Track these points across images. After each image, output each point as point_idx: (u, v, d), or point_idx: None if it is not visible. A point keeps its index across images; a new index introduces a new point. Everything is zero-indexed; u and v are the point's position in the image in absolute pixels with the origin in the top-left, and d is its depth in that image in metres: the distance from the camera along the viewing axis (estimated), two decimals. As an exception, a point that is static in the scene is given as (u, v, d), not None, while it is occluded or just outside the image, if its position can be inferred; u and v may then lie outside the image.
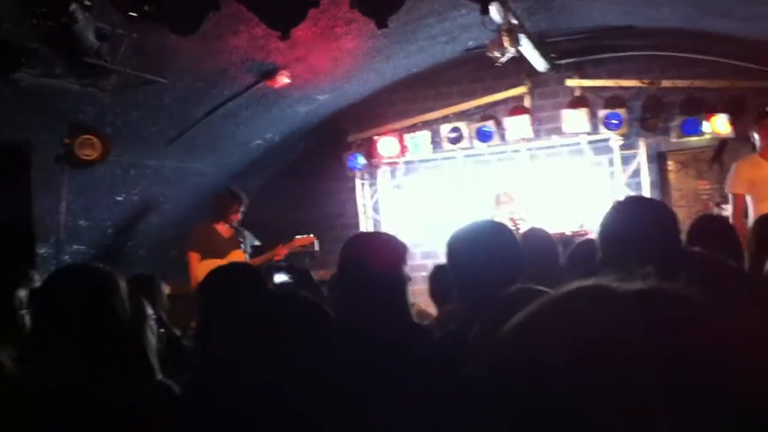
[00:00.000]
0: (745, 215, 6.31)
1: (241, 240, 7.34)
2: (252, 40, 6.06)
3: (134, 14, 4.56)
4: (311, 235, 7.81)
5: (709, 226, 4.24)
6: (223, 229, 7.25)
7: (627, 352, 0.69)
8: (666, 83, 8.54)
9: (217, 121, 7.43)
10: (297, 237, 7.74)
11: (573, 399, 0.69)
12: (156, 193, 7.97)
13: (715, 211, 6.39)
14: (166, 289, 5.47)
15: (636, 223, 2.40)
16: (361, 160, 9.29)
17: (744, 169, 6.36)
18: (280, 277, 6.48)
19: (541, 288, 2.51)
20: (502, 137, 8.92)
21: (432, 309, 5.07)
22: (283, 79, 6.92)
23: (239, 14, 5.14)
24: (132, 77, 5.87)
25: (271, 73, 6.87)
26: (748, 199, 6.31)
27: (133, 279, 5.16)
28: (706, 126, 8.15)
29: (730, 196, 6.42)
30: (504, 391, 0.74)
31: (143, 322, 2.82)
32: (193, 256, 7.12)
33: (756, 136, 6.47)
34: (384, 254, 3.03)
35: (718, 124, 8.07)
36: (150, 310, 2.98)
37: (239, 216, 7.32)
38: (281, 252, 7.53)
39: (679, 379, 0.67)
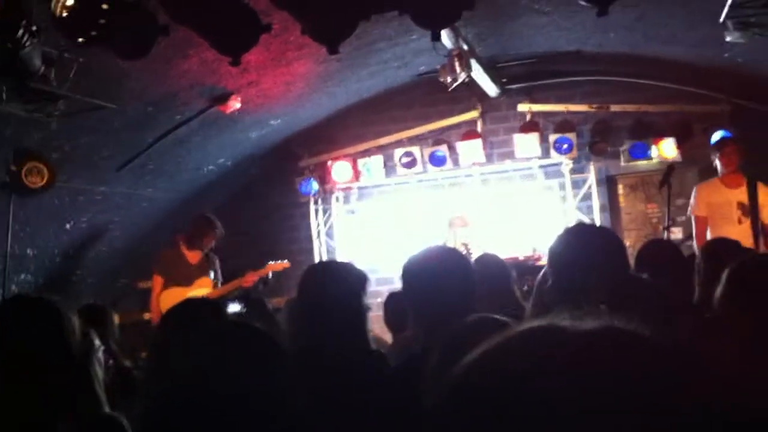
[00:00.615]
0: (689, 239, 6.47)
1: (211, 267, 7.24)
2: (202, 65, 6.00)
3: (82, 39, 4.49)
4: (286, 261, 7.70)
5: (658, 251, 4.31)
6: (191, 255, 7.13)
7: (580, 393, 0.68)
8: (614, 108, 8.70)
9: (168, 146, 7.33)
10: (270, 263, 7.62)
11: None
12: (105, 220, 7.82)
13: (664, 234, 6.49)
14: (116, 319, 5.36)
15: (584, 250, 2.44)
16: (315, 185, 9.25)
17: (704, 192, 6.52)
18: (233, 307, 6.38)
19: (500, 318, 2.51)
20: (455, 162, 8.98)
21: (387, 335, 5.04)
22: (235, 104, 6.86)
23: (189, 38, 5.09)
24: (80, 102, 5.76)
25: (222, 98, 6.81)
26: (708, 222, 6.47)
27: (83, 309, 5.05)
28: (654, 150, 8.31)
29: (692, 219, 6.54)
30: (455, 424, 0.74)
31: (91, 354, 2.77)
32: (157, 280, 6.99)
33: (717, 161, 6.60)
34: (344, 283, 3.03)
35: (666, 148, 8.24)
36: (98, 342, 2.93)
37: (210, 245, 7.24)
38: (250, 279, 7.37)
39: (634, 419, 0.67)
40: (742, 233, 5.77)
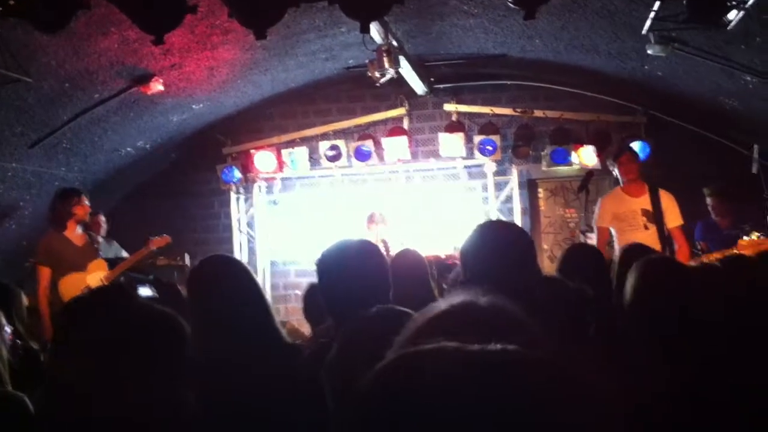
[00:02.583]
0: (610, 245, 6.64)
1: (97, 246, 6.81)
2: (124, 44, 5.83)
3: (-2, 8, 4.31)
4: (165, 236, 7.23)
5: (580, 254, 4.41)
6: (75, 237, 6.62)
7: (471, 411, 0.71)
8: (537, 113, 8.86)
9: (84, 125, 7.11)
10: (151, 238, 7.10)
11: None
12: (15, 198, 7.52)
13: (581, 238, 6.65)
14: (24, 300, 5.15)
15: (493, 245, 2.47)
16: (237, 174, 9.12)
17: (608, 203, 6.70)
18: (144, 291, 6.22)
19: (402, 309, 2.50)
20: (380, 157, 8.98)
21: (306, 327, 5.00)
22: (157, 86, 6.68)
23: (110, 15, 4.94)
24: (-7, 74, 5.53)
25: (143, 79, 6.63)
26: (613, 231, 6.64)
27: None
28: (574, 156, 8.48)
29: (595, 229, 6.71)
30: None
31: None
32: (43, 271, 6.44)
33: (616, 171, 6.79)
34: (240, 278, 2.95)
35: (585, 156, 8.42)
36: (3, 321, 2.86)
37: (85, 212, 6.67)
38: (136, 257, 6.96)
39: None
40: (648, 238, 5.99)
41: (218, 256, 3.12)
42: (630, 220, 6.57)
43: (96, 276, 6.50)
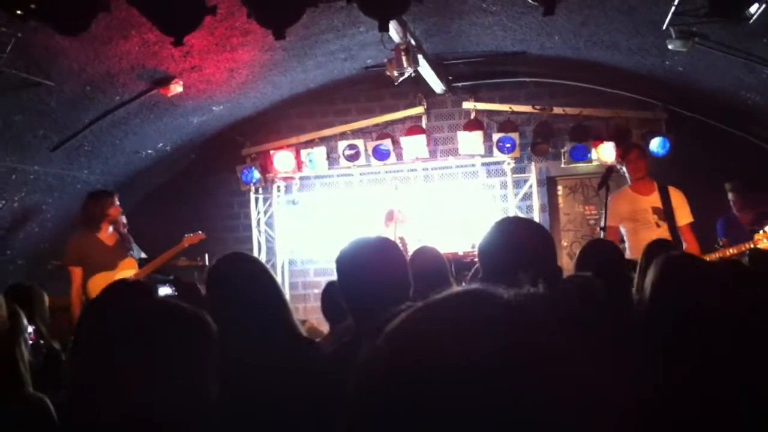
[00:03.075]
0: (622, 244, 6.64)
1: (129, 246, 6.88)
2: (144, 46, 5.87)
3: (20, 12, 4.35)
4: (200, 233, 7.38)
5: (598, 250, 4.39)
6: (105, 236, 6.70)
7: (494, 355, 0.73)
8: (557, 110, 8.81)
9: (105, 128, 7.16)
10: (186, 235, 7.25)
11: (451, 405, 0.71)
12: (38, 201, 7.60)
13: (601, 235, 6.61)
14: (46, 300, 5.21)
15: (511, 241, 2.46)
16: (256, 174, 9.15)
17: (617, 203, 6.66)
18: (164, 291, 6.25)
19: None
20: (399, 156, 8.99)
21: (325, 326, 5.02)
22: (177, 88, 6.72)
23: (131, 18, 4.97)
24: (16, 78, 5.57)
25: (163, 81, 6.67)
26: (624, 229, 6.61)
27: (11, 289, 4.91)
28: (593, 153, 8.44)
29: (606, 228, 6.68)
30: (384, 397, 0.76)
31: (18, 334, 2.72)
32: (75, 271, 6.53)
33: (624, 169, 6.75)
34: (258, 274, 2.98)
35: (604, 152, 8.38)
36: (26, 322, 2.88)
37: (117, 213, 6.75)
38: (170, 254, 7.09)
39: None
40: (661, 236, 5.95)
41: (236, 254, 3.14)
42: (641, 218, 6.54)
43: (125, 275, 6.53)
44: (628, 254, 6.34)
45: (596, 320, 2.62)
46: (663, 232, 6.31)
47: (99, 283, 6.39)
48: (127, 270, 6.66)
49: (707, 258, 6.04)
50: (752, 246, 6.04)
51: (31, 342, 4.88)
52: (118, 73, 6.32)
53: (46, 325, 5.10)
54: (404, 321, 0.80)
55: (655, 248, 4.16)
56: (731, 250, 6.14)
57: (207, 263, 8.37)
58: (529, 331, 0.75)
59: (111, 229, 6.77)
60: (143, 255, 7.76)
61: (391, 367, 0.77)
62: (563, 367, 0.74)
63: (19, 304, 2.99)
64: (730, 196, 7.30)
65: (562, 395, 0.72)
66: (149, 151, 8.39)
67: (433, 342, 0.75)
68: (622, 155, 6.76)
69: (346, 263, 2.67)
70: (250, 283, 2.92)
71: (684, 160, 8.07)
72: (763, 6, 4.66)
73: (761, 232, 6.06)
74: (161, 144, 8.40)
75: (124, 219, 7.07)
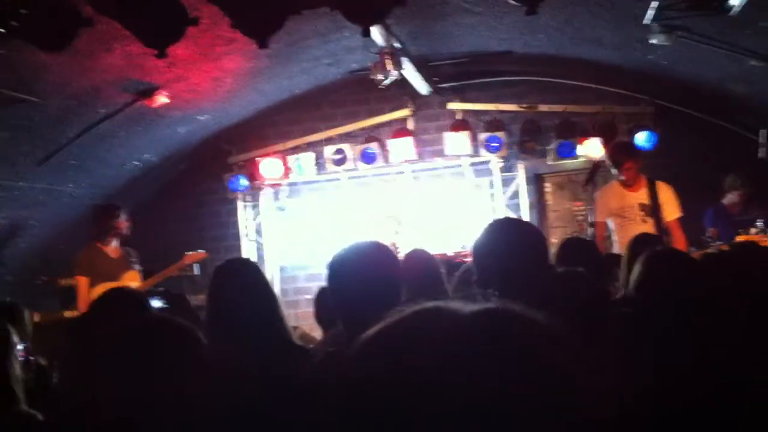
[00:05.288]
0: (609, 239, 6.66)
1: (132, 260, 6.96)
2: (127, 58, 5.84)
3: (2, 30, 4.33)
4: (201, 251, 7.50)
5: (576, 247, 4.42)
6: (110, 249, 6.83)
7: (465, 369, 0.73)
8: (542, 107, 8.83)
9: (91, 141, 7.12)
10: (186, 254, 7.42)
11: (413, 415, 0.72)
12: (25, 216, 7.55)
13: (590, 231, 6.63)
14: (32, 318, 5.19)
15: (505, 242, 2.48)
16: (244, 182, 9.12)
17: (605, 198, 6.68)
18: (154, 303, 6.23)
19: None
20: (386, 159, 8.98)
21: (318, 332, 5.01)
22: (162, 99, 6.70)
23: (113, 30, 4.94)
24: (0, 95, 5.55)
25: (148, 93, 6.65)
26: (612, 224, 6.62)
27: (-1, 307, 4.89)
28: (580, 149, 8.46)
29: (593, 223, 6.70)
30: (350, 405, 0.78)
31: (9, 351, 2.73)
32: (81, 281, 6.65)
33: (614, 170, 6.70)
34: (255, 280, 3.08)
35: (591, 148, 8.39)
36: (16, 339, 2.89)
37: (125, 227, 6.90)
38: (171, 271, 7.22)
39: (513, 391, 0.72)
40: (647, 231, 5.97)
41: (237, 258, 3.29)
42: (628, 214, 6.57)
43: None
44: (616, 249, 6.37)
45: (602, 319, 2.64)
46: (649, 228, 6.32)
47: (101, 292, 6.40)
48: (131, 282, 6.68)
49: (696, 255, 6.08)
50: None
51: (22, 358, 4.87)
52: (103, 86, 6.29)
53: (30, 341, 5.08)
54: (367, 340, 0.82)
55: (639, 244, 4.20)
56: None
57: (196, 273, 8.35)
58: (482, 346, 0.75)
59: (115, 242, 6.87)
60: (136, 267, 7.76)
61: (356, 380, 0.78)
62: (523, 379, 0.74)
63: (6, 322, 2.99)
64: (736, 191, 7.34)
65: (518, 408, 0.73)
66: (136, 163, 8.36)
67: (392, 360, 0.76)
68: (614, 162, 6.67)
69: (339, 268, 2.66)
70: (244, 284, 3.02)
71: (671, 154, 8.10)
72: (745, -2, 4.68)
73: (744, 234, 6.11)
74: (148, 155, 8.37)
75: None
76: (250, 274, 3.12)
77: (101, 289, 6.36)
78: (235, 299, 2.97)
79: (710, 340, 2.54)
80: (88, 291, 6.58)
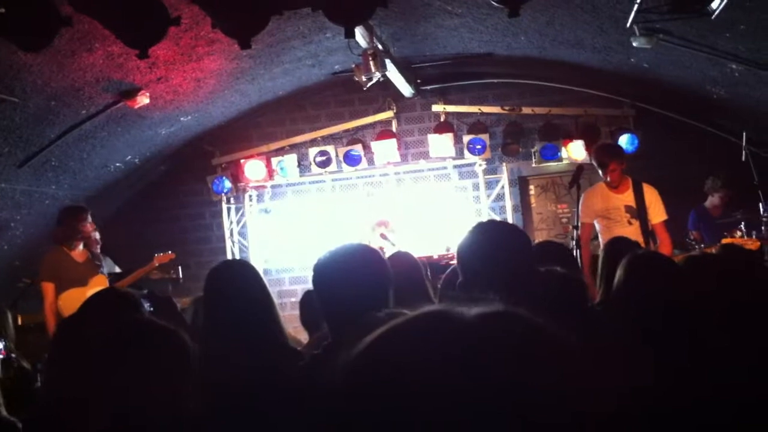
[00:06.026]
0: (595, 239, 6.68)
1: (99, 263, 6.82)
2: (108, 59, 5.80)
3: (-21, 29, 4.28)
4: (170, 252, 7.51)
5: (550, 249, 4.43)
6: (77, 253, 6.64)
7: (469, 372, 0.72)
8: (526, 110, 8.86)
9: (72, 142, 7.07)
10: (156, 255, 7.41)
11: (418, 418, 0.72)
12: (6, 218, 7.48)
13: (574, 233, 6.65)
14: (15, 319, 5.13)
15: (489, 245, 2.48)
16: (227, 184, 9.09)
17: (591, 199, 6.66)
18: (137, 306, 6.18)
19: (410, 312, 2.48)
20: (370, 161, 8.98)
21: (303, 335, 4.99)
22: (143, 99, 6.66)
23: (94, 30, 4.91)
24: (-23, 95, 5.50)
25: (129, 93, 6.60)
26: (598, 226, 6.64)
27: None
28: (563, 152, 8.49)
29: (579, 225, 6.71)
30: (350, 407, 0.77)
31: None
32: (48, 287, 6.45)
33: (600, 171, 6.71)
34: (251, 280, 3.11)
35: (574, 150, 8.43)
36: None
37: (90, 230, 6.73)
38: (140, 273, 7.18)
39: (518, 395, 0.71)
40: (632, 234, 5.99)
41: (234, 260, 3.33)
42: (614, 216, 6.58)
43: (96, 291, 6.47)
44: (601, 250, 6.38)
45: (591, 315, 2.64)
46: (635, 230, 6.35)
47: (71, 298, 6.30)
48: (99, 286, 6.56)
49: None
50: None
51: (1, 356, 4.80)
52: (84, 87, 6.24)
53: (13, 343, 5.02)
54: (371, 343, 0.81)
55: (615, 246, 4.23)
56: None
57: (180, 276, 8.31)
58: (493, 351, 0.75)
59: (82, 246, 6.70)
60: (117, 269, 7.69)
61: (356, 386, 0.78)
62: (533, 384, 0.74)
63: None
64: (719, 192, 7.39)
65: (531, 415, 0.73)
66: (118, 164, 8.30)
67: (396, 366, 0.75)
68: (599, 164, 6.64)
69: (325, 271, 2.65)
70: (240, 285, 3.06)
71: (652, 156, 8.15)
72: (725, 1, 4.71)
73: (729, 238, 6.16)
74: (130, 156, 8.32)
75: (97, 235, 6.99)
76: (246, 276, 3.15)
77: (71, 294, 6.31)
78: (231, 300, 3.00)
79: (692, 343, 2.55)
80: (54, 297, 6.43)
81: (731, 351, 2.52)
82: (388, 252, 6.64)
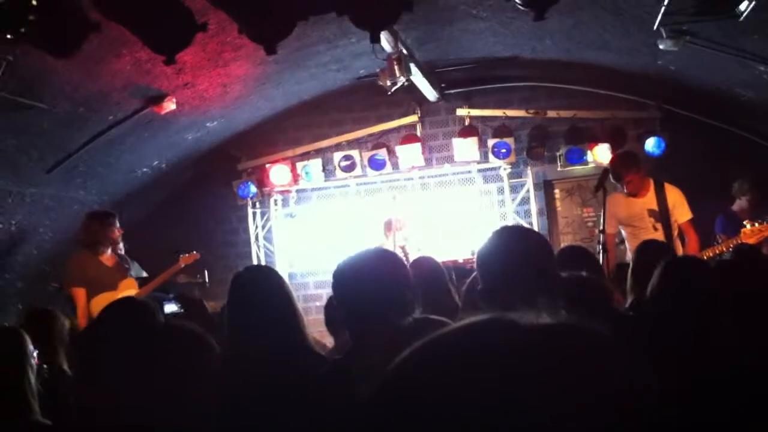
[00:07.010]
0: (621, 244, 6.63)
1: (128, 266, 6.80)
2: (136, 65, 5.87)
3: (10, 36, 4.34)
4: (195, 252, 7.44)
5: (573, 254, 4.41)
6: (105, 258, 6.59)
7: (533, 384, 0.69)
8: (551, 113, 8.82)
9: (100, 147, 7.14)
10: (182, 256, 7.33)
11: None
12: (35, 223, 7.57)
13: (600, 237, 6.59)
14: (65, 323, 5.12)
15: (509, 251, 2.47)
16: (253, 189, 9.14)
17: (613, 208, 6.48)
18: (170, 308, 6.22)
19: (440, 318, 2.49)
20: (395, 165, 8.98)
21: (328, 339, 4.99)
22: (170, 105, 6.71)
23: (122, 36, 4.96)
24: (8, 102, 5.56)
25: (156, 99, 6.66)
26: (625, 232, 6.58)
27: (27, 315, 4.88)
28: (589, 155, 8.44)
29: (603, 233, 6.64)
30: (391, 417, 0.74)
31: (24, 360, 2.74)
32: (79, 292, 6.38)
33: (618, 183, 6.62)
34: (275, 285, 3.12)
35: (600, 154, 8.37)
36: (31, 347, 2.89)
37: (118, 235, 6.66)
38: (167, 274, 7.11)
39: (582, 410, 0.69)
40: (659, 238, 5.91)
41: (258, 265, 3.33)
42: (638, 222, 6.49)
43: (127, 294, 6.49)
44: (628, 257, 6.31)
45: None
46: (660, 235, 6.28)
47: (102, 303, 6.33)
48: (128, 290, 6.61)
49: (702, 254, 6.06)
50: (740, 241, 6.06)
51: (35, 365, 4.85)
52: (111, 93, 6.31)
53: (64, 346, 5.00)
54: (415, 352, 0.77)
55: (646, 251, 4.19)
56: (719, 249, 6.15)
57: (207, 280, 8.37)
58: (557, 361, 0.72)
59: (110, 250, 6.67)
60: (144, 274, 7.74)
61: (398, 400, 0.74)
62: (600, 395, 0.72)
63: (35, 329, 2.99)
64: (747, 195, 7.30)
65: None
66: (145, 170, 8.38)
67: (448, 375, 0.72)
68: (615, 177, 6.50)
69: (345, 276, 2.64)
70: (265, 290, 3.07)
71: (679, 159, 8.07)
72: (753, 2, 4.66)
73: (748, 227, 6.07)
74: (157, 162, 8.39)
75: (121, 242, 7.03)
76: (269, 281, 3.16)
77: (102, 299, 6.32)
78: (253, 306, 3.01)
79: (730, 345, 2.52)
80: (86, 302, 6.40)
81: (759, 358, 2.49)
82: (412, 254, 6.65)
